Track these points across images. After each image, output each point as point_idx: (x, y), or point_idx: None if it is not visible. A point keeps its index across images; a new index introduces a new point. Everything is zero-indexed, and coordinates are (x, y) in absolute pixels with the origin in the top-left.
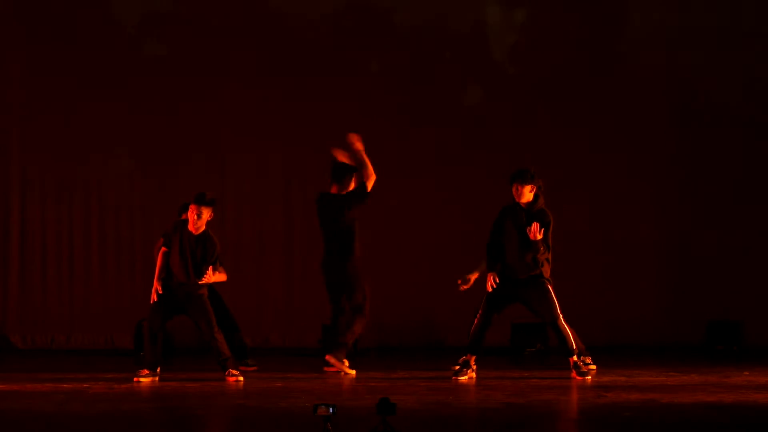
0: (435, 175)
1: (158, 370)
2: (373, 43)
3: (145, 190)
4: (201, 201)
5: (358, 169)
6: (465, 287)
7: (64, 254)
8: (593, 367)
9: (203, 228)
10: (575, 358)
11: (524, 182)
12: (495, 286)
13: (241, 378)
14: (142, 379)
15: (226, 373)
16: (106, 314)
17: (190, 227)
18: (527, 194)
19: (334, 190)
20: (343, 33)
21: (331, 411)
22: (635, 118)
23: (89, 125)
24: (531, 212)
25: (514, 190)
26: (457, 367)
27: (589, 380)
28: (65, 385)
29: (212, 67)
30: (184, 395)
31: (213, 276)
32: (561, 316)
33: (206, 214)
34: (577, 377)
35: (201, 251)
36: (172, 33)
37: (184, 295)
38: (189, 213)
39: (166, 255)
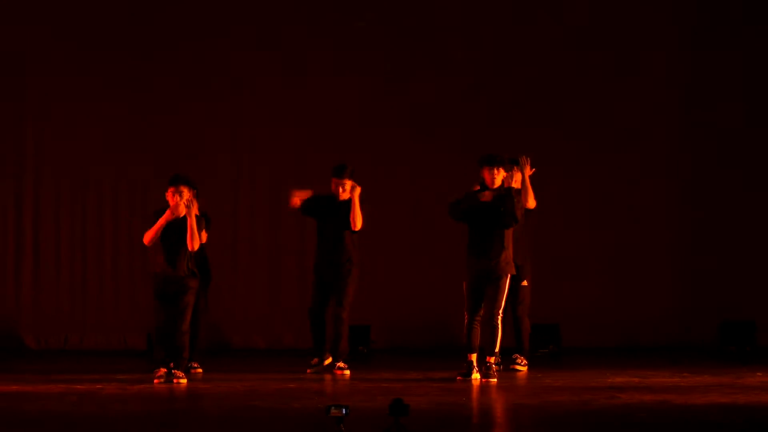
0: (448, 176)
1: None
2: (381, 43)
3: (159, 190)
4: (178, 181)
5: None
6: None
7: (78, 255)
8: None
9: (184, 212)
10: (492, 359)
11: (501, 166)
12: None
13: (184, 380)
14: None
15: (173, 371)
16: (120, 315)
17: (172, 210)
18: (499, 179)
19: None
20: (350, 34)
21: (344, 412)
22: (644, 115)
23: (103, 125)
24: (504, 195)
25: (487, 173)
26: (464, 370)
27: (494, 383)
28: (78, 386)
29: (228, 70)
30: (196, 396)
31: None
32: (501, 315)
33: (187, 193)
34: (481, 377)
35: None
36: (187, 37)
37: (174, 289)
38: (168, 196)
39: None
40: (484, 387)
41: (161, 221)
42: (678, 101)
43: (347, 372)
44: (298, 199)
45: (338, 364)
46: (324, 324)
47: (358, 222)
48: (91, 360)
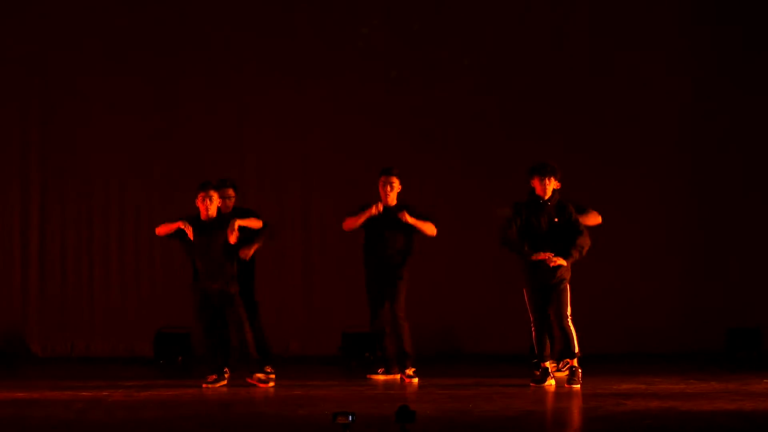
0: (452, 183)
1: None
2: (388, 47)
3: (165, 195)
4: (207, 186)
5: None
6: None
7: (84, 261)
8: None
9: (215, 214)
10: (575, 362)
11: (552, 176)
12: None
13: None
14: (210, 385)
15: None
16: (126, 322)
17: (202, 216)
18: (551, 189)
19: None
20: (360, 38)
21: (350, 419)
22: (647, 120)
23: (108, 129)
24: (557, 206)
25: (538, 183)
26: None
27: (575, 388)
28: (84, 393)
29: (231, 68)
30: (203, 402)
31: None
32: (570, 317)
33: (216, 199)
34: (566, 384)
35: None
36: (192, 41)
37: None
38: (198, 202)
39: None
40: (491, 394)
41: (175, 225)
42: (683, 104)
43: (416, 380)
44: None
45: (407, 371)
46: (385, 335)
47: (429, 230)
48: (97, 367)
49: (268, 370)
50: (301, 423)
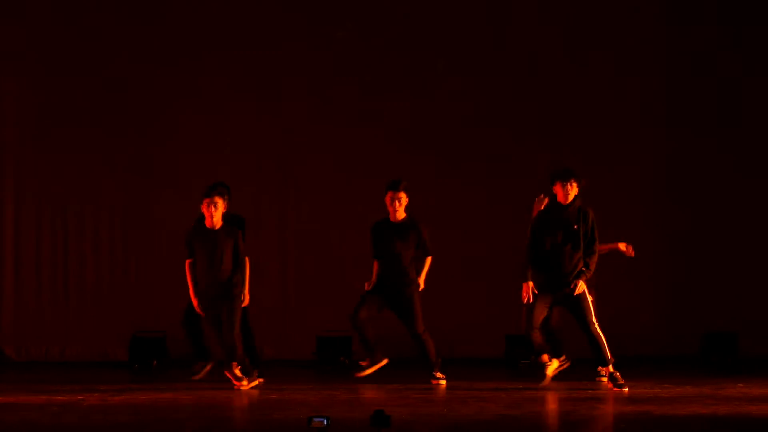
0: (435, 190)
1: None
2: (364, 52)
3: (140, 202)
4: (212, 191)
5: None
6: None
7: (59, 265)
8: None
9: (221, 222)
10: (611, 368)
11: (574, 180)
12: (532, 298)
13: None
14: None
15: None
16: (101, 327)
17: (207, 223)
18: (573, 194)
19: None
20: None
21: (325, 423)
22: (626, 127)
23: (84, 134)
24: (578, 211)
25: (560, 188)
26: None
27: (626, 392)
28: (60, 397)
29: (212, 72)
30: (178, 407)
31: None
32: (597, 322)
33: (221, 204)
34: (614, 388)
35: (226, 245)
36: (169, 40)
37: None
38: (203, 208)
39: (192, 266)
40: (466, 398)
41: (192, 293)
42: (661, 110)
43: (443, 382)
44: None
45: (435, 374)
46: (365, 327)
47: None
48: (72, 371)
49: (255, 374)
50: (277, 427)
